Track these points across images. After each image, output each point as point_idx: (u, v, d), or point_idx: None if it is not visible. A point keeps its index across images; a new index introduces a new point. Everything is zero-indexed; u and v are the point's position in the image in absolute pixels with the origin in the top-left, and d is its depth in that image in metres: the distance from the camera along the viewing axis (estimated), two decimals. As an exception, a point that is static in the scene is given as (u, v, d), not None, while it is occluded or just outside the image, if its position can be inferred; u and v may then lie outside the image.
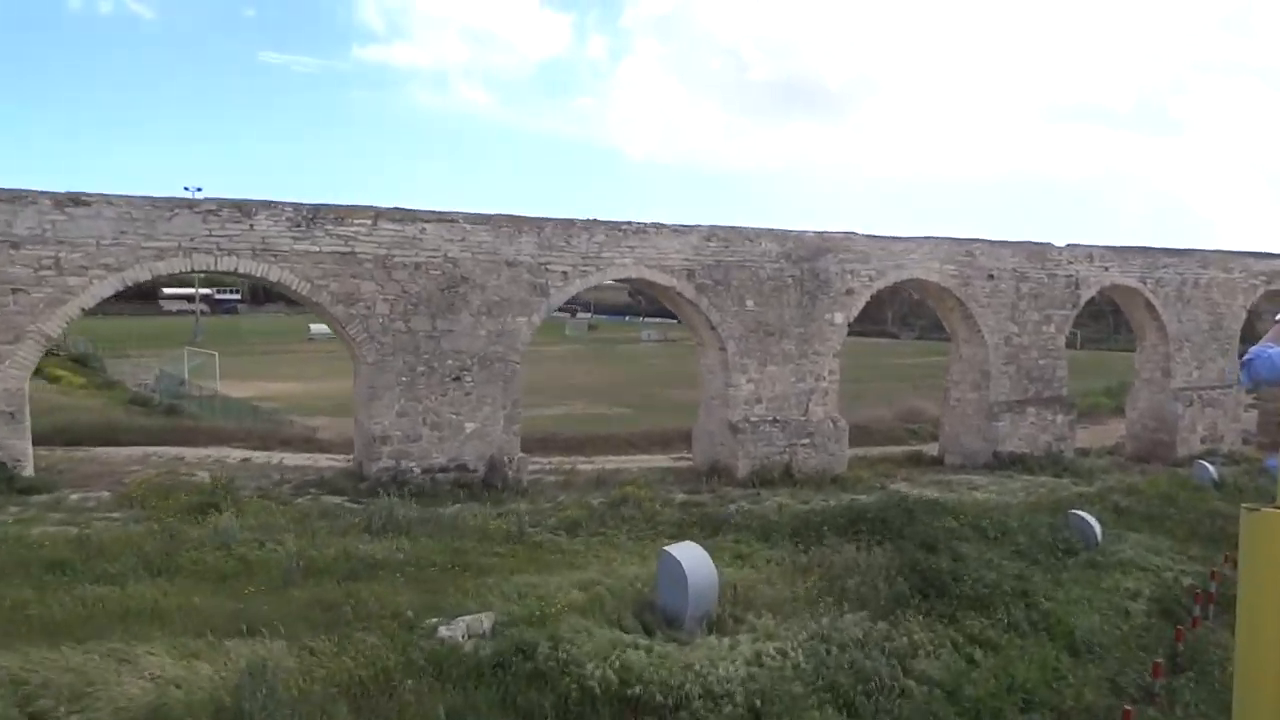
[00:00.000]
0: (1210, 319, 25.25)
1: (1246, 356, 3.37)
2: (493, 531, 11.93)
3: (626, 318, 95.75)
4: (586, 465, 20.58)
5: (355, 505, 13.83)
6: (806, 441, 19.63)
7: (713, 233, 19.12)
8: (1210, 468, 19.37)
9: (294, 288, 15.15)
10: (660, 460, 22.43)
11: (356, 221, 15.56)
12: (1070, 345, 54.14)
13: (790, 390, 19.72)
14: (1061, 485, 19.84)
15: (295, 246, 15.02)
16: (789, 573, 10.74)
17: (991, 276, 22.28)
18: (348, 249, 15.46)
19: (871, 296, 21.17)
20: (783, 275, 19.74)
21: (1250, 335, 26.93)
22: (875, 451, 25.14)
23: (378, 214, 15.81)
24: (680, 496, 16.68)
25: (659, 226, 18.60)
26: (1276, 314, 3.79)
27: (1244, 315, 25.94)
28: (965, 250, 22.06)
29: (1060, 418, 22.72)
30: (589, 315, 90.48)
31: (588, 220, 17.88)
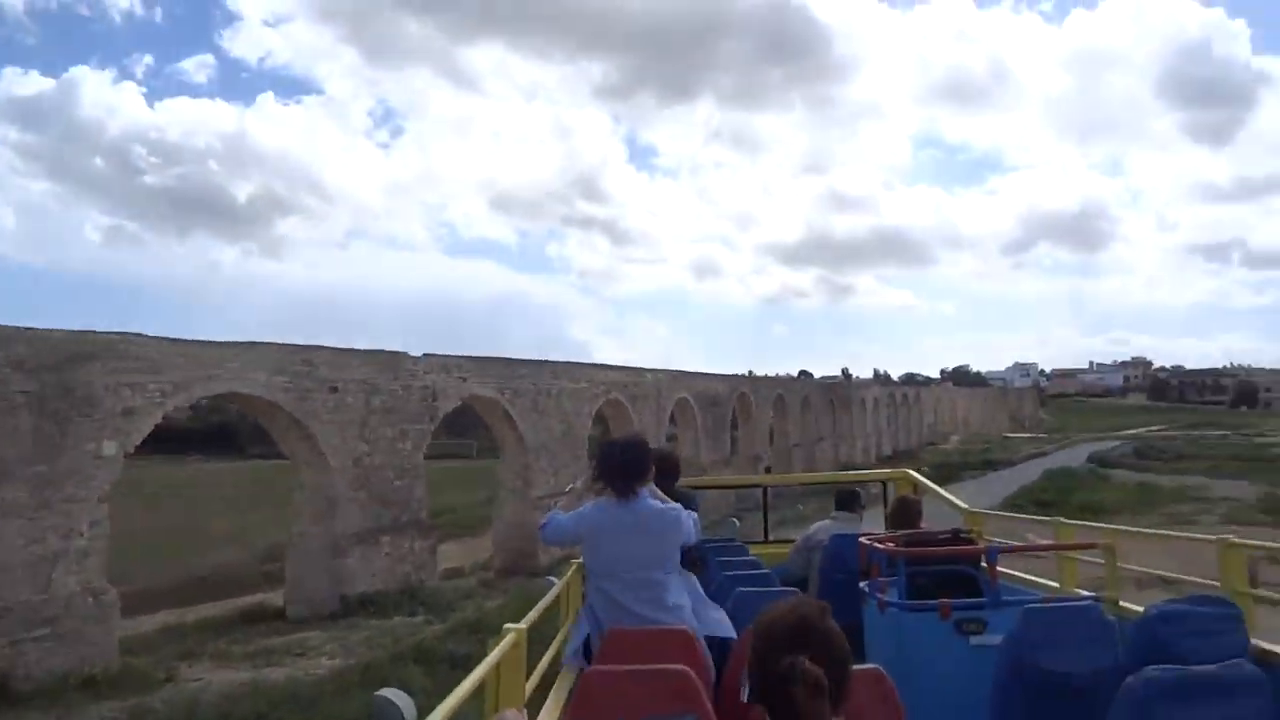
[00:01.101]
0: (563, 427, 25.98)
1: (543, 521, 4.17)
2: None
3: None
4: None
5: None
6: (45, 632, 13.36)
7: None
8: (555, 580, 18.61)
9: None
10: None
11: None
12: (467, 456, 55.15)
13: (19, 559, 13.38)
14: (412, 628, 16.95)
15: None
16: None
17: (335, 389, 19.16)
18: None
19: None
20: (8, 392, 13.63)
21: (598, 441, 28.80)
22: (204, 611, 19.67)
23: None
24: None
25: None
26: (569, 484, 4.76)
27: (590, 423, 27.46)
28: (303, 359, 18.59)
29: (419, 544, 20.27)
30: None
31: None
